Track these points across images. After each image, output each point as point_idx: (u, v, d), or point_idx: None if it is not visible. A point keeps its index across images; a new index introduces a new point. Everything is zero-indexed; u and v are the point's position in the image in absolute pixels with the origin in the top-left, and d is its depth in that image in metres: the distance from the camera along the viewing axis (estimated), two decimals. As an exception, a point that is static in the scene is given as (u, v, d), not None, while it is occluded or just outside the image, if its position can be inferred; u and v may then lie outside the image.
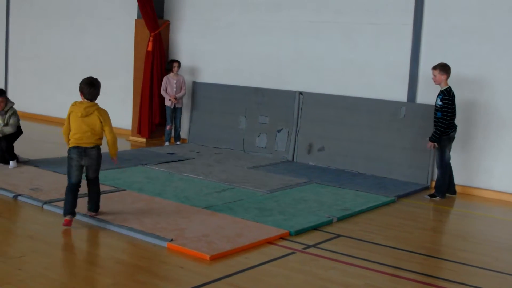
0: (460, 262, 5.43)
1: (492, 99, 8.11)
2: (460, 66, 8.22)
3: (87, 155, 5.72)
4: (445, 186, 7.85)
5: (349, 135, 9.24)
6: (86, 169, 5.84)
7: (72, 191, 5.72)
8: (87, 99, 5.71)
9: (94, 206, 5.99)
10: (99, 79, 5.89)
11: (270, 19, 10.25)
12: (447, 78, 7.70)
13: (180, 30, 11.46)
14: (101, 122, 5.74)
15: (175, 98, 10.70)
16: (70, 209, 5.66)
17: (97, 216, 5.97)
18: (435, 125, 7.75)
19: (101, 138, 5.82)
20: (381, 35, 9.06)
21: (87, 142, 5.70)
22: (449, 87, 7.67)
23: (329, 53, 9.60)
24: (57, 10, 13.53)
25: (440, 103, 7.64)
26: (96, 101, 5.84)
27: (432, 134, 7.75)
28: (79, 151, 5.69)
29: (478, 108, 8.22)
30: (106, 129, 5.75)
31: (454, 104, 7.67)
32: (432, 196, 7.86)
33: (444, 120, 7.61)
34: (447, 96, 7.62)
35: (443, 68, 7.68)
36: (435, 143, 7.73)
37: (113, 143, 5.85)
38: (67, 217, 5.64)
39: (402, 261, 5.38)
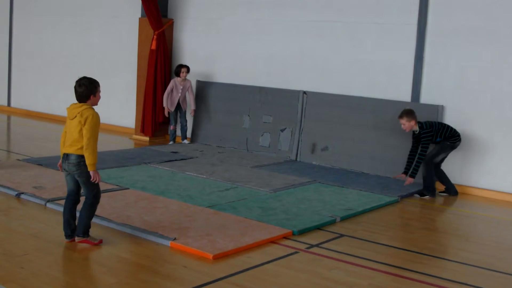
0: (463, 263, 5.42)
1: (496, 98, 8.10)
2: (464, 66, 8.21)
3: (67, 159, 5.19)
4: (433, 184, 7.85)
5: (353, 135, 9.23)
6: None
7: (67, 202, 5.38)
8: (77, 100, 5.25)
9: (79, 227, 5.30)
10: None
11: (274, 18, 10.24)
12: (416, 122, 7.73)
13: (184, 29, 11.46)
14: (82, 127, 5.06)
15: (194, 111, 10.84)
16: (65, 230, 5.34)
17: (100, 215, 5.95)
18: (418, 155, 7.74)
19: (82, 148, 5.10)
20: (385, 34, 9.05)
21: (68, 148, 5.18)
22: (421, 123, 7.73)
23: (333, 52, 9.59)
24: (61, 8, 13.54)
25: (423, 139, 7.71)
26: (99, 101, 5.40)
27: (413, 170, 7.76)
28: (63, 155, 5.25)
29: (481, 108, 8.20)
30: (84, 132, 5.04)
31: (433, 133, 7.69)
32: (421, 195, 7.85)
33: (424, 152, 7.67)
34: (425, 130, 7.68)
35: (408, 114, 7.72)
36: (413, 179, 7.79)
37: (87, 151, 5.04)
38: (65, 239, 5.36)
39: (405, 261, 5.37)
